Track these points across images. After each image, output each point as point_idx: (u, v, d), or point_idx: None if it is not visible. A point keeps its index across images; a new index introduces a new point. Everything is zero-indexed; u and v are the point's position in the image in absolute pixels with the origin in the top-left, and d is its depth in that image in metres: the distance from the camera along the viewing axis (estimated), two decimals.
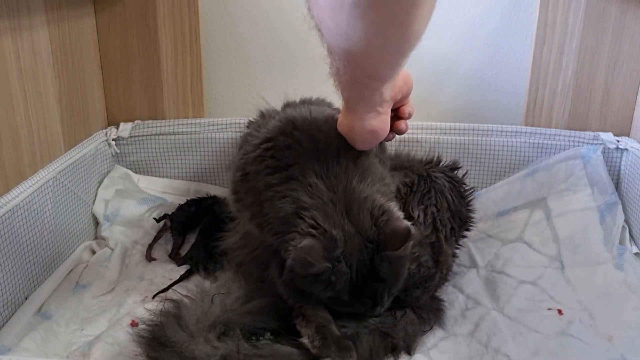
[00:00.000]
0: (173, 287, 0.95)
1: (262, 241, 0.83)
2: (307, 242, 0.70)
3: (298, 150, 0.78)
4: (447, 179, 0.93)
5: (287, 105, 0.98)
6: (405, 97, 0.83)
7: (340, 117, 0.79)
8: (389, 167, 0.92)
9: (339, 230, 0.72)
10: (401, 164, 0.97)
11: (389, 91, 0.74)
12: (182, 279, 0.98)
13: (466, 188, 0.97)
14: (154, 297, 0.93)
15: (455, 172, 0.97)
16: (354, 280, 0.73)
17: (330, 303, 0.77)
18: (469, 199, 0.96)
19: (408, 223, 0.74)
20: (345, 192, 0.75)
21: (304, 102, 0.98)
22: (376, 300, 0.76)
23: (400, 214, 0.76)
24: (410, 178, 0.92)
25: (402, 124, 0.84)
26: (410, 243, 0.74)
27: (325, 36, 0.64)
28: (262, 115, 0.97)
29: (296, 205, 0.74)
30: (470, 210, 0.97)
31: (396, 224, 0.73)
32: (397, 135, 0.87)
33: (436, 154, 0.99)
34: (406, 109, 0.85)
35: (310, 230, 0.72)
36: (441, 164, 0.97)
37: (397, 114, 0.84)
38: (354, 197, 0.75)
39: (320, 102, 0.99)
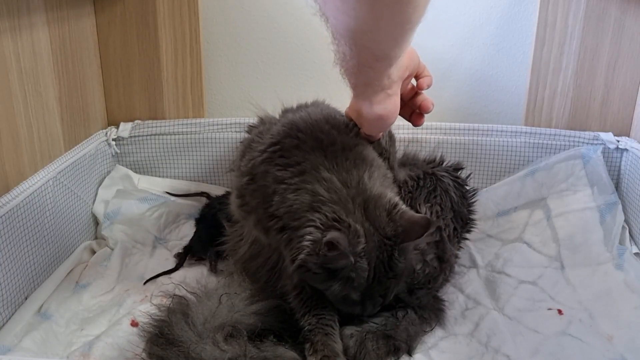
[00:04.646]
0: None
1: (274, 249, 0.82)
2: (334, 234, 0.69)
3: (305, 150, 0.78)
4: (451, 178, 0.94)
5: (286, 111, 0.98)
6: (412, 74, 0.82)
7: (350, 102, 0.78)
8: (397, 160, 0.91)
9: (360, 226, 0.71)
10: (407, 161, 0.97)
11: (397, 71, 0.73)
12: (175, 269, 1.00)
13: (468, 189, 0.97)
14: (144, 283, 0.96)
15: (459, 172, 0.97)
16: (371, 278, 0.72)
17: (337, 302, 0.76)
18: (471, 200, 0.96)
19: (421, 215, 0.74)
20: (359, 188, 0.74)
21: (300, 107, 0.98)
22: (386, 297, 0.75)
23: (407, 208, 0.76)
24: (415, 172, 0.92)
25: (427, 102, 0.84)
26: (430, 231, 0.73)
27: (331, 18, 0.63)
28: (262, 121, 0.97)
29: (313, 198, 0.73)
30: (472, 212, 0.97)
31: (410, 214, 0.73)
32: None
33: (439, 154, 0.99)
34: (424, 82, 0.83)
35: (334, 223, 0.71)
36: (444, 164, 0.97)
37: (415, 90, 0.83)
38: (368, 194, 0.74)
39: (316, 104, 0.99)
